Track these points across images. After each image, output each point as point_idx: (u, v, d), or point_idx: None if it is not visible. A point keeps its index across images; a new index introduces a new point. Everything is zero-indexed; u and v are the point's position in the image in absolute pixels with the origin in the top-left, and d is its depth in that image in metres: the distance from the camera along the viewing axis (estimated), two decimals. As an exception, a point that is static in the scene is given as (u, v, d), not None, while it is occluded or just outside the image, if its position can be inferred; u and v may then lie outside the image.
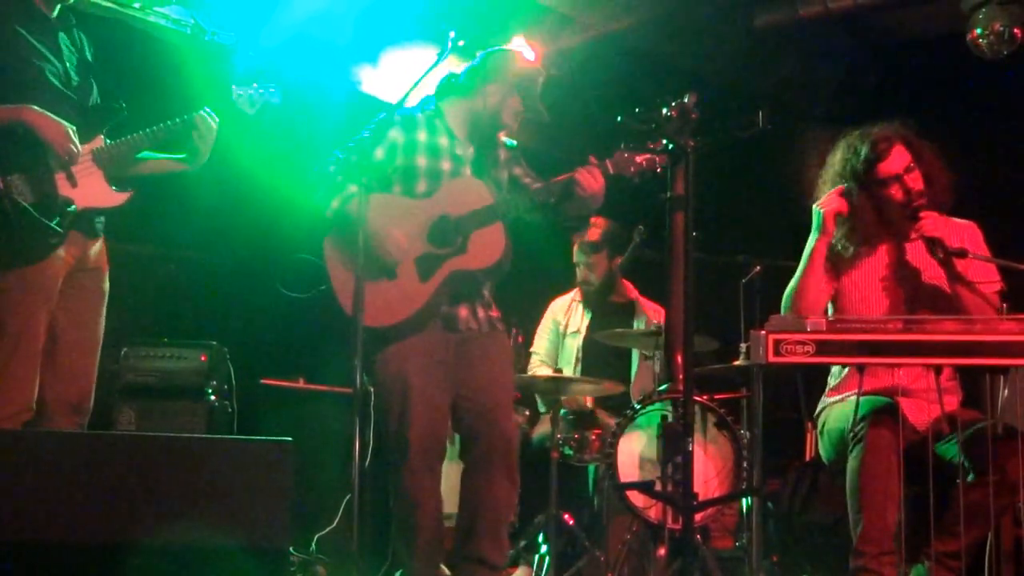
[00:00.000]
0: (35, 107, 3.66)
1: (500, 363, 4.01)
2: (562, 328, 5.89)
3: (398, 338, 3.86)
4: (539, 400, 5.83)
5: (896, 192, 4.07)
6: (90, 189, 3.78)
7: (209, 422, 5.23)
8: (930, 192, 4.07)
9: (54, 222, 3.68)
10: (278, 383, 5.89)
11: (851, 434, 3.87)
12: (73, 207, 3.73)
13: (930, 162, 4.12)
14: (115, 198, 3.85)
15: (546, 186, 3.95)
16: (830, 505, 5.05)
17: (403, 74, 5.35)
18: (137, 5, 5.28)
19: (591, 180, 3.81)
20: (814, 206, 4.20)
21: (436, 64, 3.82)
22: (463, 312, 3.94)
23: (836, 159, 4.21)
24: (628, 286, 5.97)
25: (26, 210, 3.64)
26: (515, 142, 4.16)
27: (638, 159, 3.78)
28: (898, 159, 4.09)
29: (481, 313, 3.97)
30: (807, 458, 5.72)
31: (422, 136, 3.98)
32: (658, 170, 3.79)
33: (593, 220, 5.82)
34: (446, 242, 3.86)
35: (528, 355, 5.95)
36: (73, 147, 3.70)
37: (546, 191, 3.93)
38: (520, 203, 3.94)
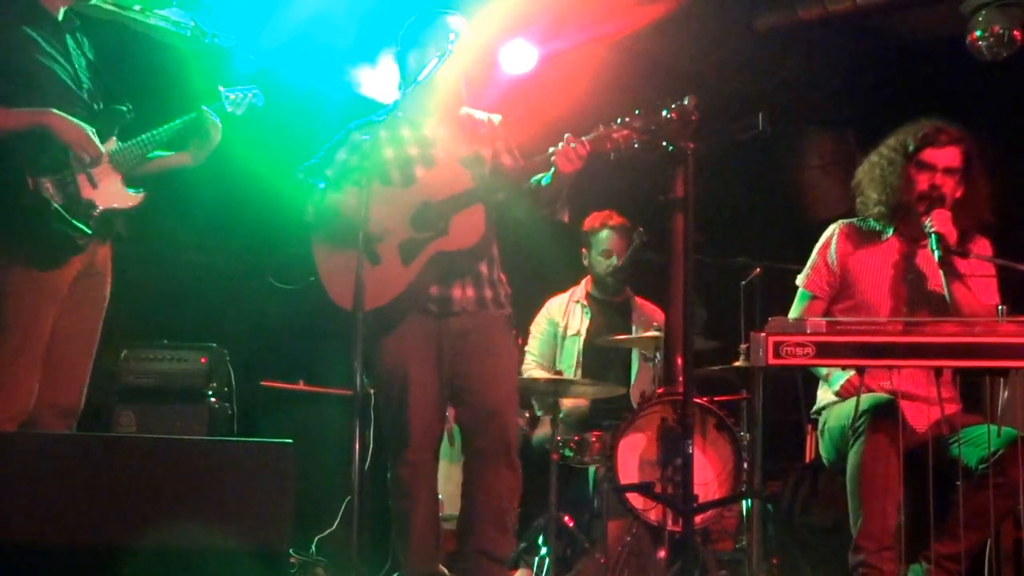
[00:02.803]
0: (56, 110, 3.68)
1: (499, 355, 4.00)
2: (561, 329, 5.84)
3: (390, 326, 3.89)
4: (535, 404, 5.80)
5: (923, 180, 4.10)
6: (109, 190, 3.81)
7: (209, 424, 5.24)
8: (958, 211, 4.07)
9: (82, 224, 3.70)
10: (278, 385, 5.90)
11: (851, 430, 3.87)
12: (95, 208, 3.76)
13: (976, 187, 4.14)
14: (131, 199, 3.89)
15: (524, 166, 3.97)
16: (830, 507, 5.05)
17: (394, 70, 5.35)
18: (137, 8, 5.28)
19: (566, 160, 3.79)
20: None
21: (436, 66, 3.83)
22: (456, 292, 3.95)
23: (902, 130, 4.22)
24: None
25: (59, 212, 3.65)
26: (500, 116, 4.17)
27: (614, 135, 3.77)
28: (946, 156, 4.12)
29: (471, 292, 3.97)
30: (807, 460, 5.72)
31: (383, 133, 4.03)
32: (635, 146, 3.76)
33: (604, 213, 5.82)
34: (428, 226, 3.90)
35: (522, 355, 5.88)
36: (95, 150, 3.72)
37: (524, 171, 3.94)
38: (500, 185, 3.96)
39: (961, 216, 4.05)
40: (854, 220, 4.30)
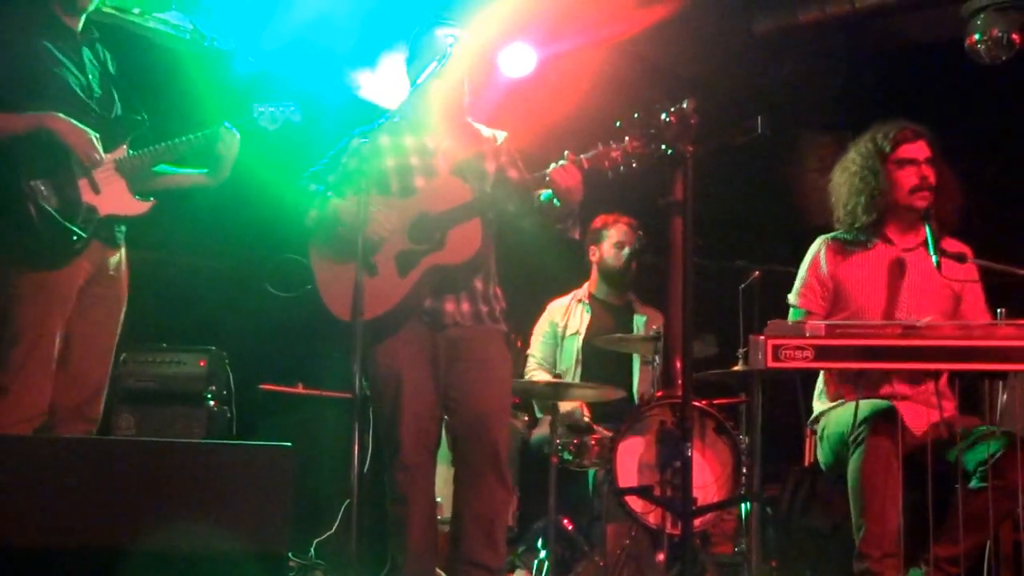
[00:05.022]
0: (59, 114, 3.69)
1: (493, 365, 4.00)
2: (560, 330, 5.84)
3: (385, 335, 3.89)
4: (535, 406, 5.80)
5: (911, 175, 4.14)
6: (113, 197, 3.82)
7: (208, 427, 5.23)
8: (939, 199, 4.10)
9: (77, 227, 3.70)
10: (277, 388, 5.89)
11: (851, 438, 3.87)
12: (96, 213, 3.76)
13: (946, 179, 4.18)
14: (137, 207, 3.90)
15: (524, 181, 3.97)
16: (829, 510, 5.04)
17: (402, 79, 5.38)
18: (136, 11, 5.29)
19: (564, 176, 3.79)
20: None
21: (436, 70, 3.83)
22: (449, 306, 3.95)
23: (862, 141, 4.27)
24: None
25: (51, 215, 3.67)
26: (505, 132, 4.17)
27: (613, 153, 3.77)
28: (922, 149, 4.18)
29: (467, 307, 3.97)
30: (806, 463, 5.72)
31: (385, 140, 4.03)
32: (634, 164, 3.77)
33: (618, 216, 5.83)
34: (425, 238, 3.90)
35: (524, 358, 5.89)
36: (96, 153, 3.73)
37: (528, 184, 3.94)
38: (506, 199, 3.96)
39: (942, 203, 4.10)
40: (836, 234, 4.30)
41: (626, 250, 5.83)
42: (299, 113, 4.13)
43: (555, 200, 3.87)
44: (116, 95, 3.97)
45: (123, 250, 3.96)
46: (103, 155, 3.77)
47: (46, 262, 3.70)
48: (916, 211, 4.12)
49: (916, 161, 4.15)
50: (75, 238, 3.72)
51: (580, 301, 5.90)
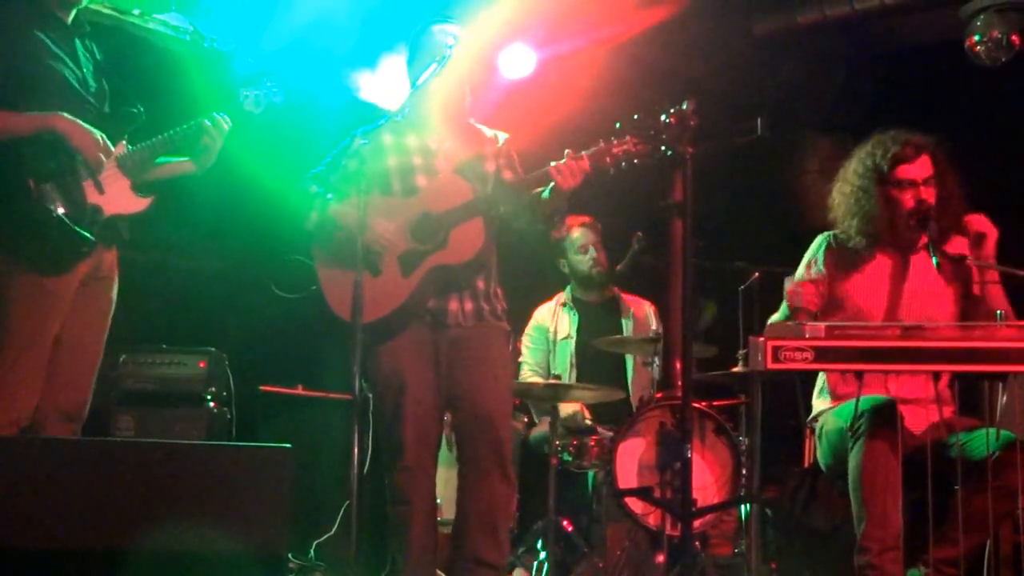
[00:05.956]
0: (65, 114, 3.66)
1: (495, 363, 4.00)
2: (551, 334, 5.82)
3: (388, 336, 3.90)
4: (533, 410, 5.78)
5: (908, 198, 4.10)
6: (116, 196, 3.79)
7: (208, 428, 5.23)
8: (938, 214, 4.08)
9: (86, 231, 3.68)
10: (277, 390, 5.89)
11: (851, 431, 3.87)
12: (101, 215, 3.74)
13: (949, 187, 4.14)
14: (139, 204, 3.86)
15: (524, 180, 3.97)
16: (829, 511, 5.05)
17: (402, 80, 5.38)
18: (136, 12, 5.28)
19: (566, 174, 3.79)
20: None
21: (436, 71, 3.84)
22: (453, 305, 3.96)
23: (863, 152, 4.23)
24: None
25: (60, 220, 3.63)
26: (506, 134, 4.17)
27: (614, 150, 3.77)
28: (921, 168, 4.12)
29: (469, 306, 3.97)
30: (806, 464, 5.72)
31: (388, 140, 4.04)
32: (635, 161, 3.76)
33: (571, 218, 5.79)
34: (427, 238, 3.90)
35: (518, 365, 5.85)
36: (103, 154, 3.71)
37: (524, 184, 3.94)
38: (502, 200, 3.96)
39: (944, 215, 4.08)
40: (839, 233, 4.28)
41: (591, 250, 5.82)
42: (281, 95, 4.07)
43: (544, 193, 3.86)
44: (108, 87, 3.93)
45: (114, 250, 3.92)
46: (108, 154, 3.74)
47: (51, 267, 3.66)
48: (912, 230, 4.11)
49: (915, 183, 4.10)
50: (85, 246, 3.69)
51: (564, 304, 5.89)
